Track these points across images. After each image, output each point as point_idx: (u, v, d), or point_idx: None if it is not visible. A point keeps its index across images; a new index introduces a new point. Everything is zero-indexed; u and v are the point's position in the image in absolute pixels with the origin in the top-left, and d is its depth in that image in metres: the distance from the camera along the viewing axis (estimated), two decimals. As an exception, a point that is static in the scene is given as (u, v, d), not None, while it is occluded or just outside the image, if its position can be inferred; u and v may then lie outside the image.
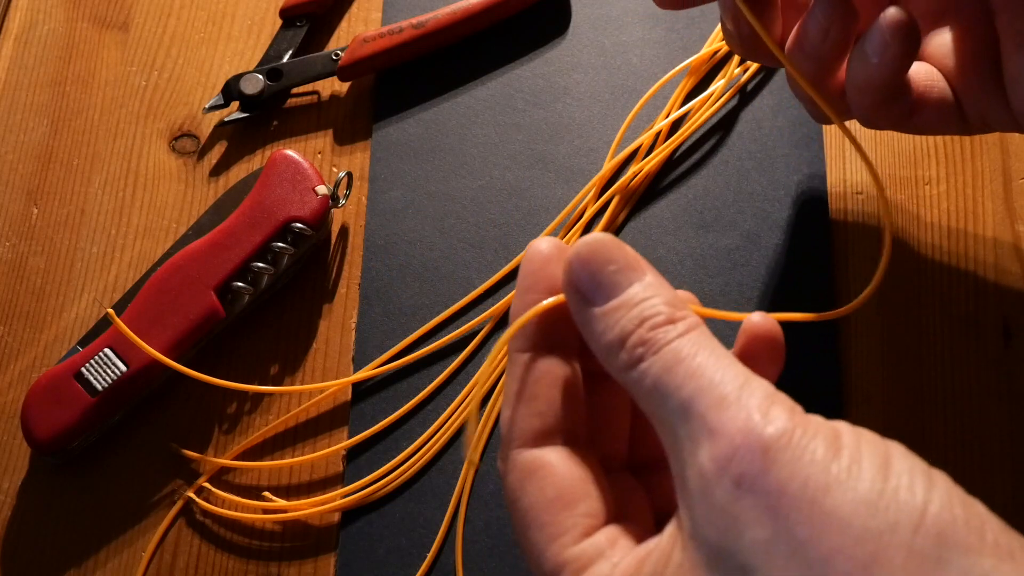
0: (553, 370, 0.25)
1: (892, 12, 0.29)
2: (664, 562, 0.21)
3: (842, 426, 0.21)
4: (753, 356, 0.26)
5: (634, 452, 0.28)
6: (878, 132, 0.44)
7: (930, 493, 0.19)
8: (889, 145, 0.44)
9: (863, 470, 0.20)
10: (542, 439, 0.25)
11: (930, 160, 0.44)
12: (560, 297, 0.25)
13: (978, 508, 0.20)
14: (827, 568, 0.19)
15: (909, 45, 0.30)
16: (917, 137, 0.44)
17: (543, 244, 0.26)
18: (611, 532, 0.23)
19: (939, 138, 0.44)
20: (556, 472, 0.24)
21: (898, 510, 0.19)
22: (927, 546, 0.18)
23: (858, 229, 0.42)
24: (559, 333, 0.26)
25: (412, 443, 0.40)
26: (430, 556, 0.38)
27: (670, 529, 0.22)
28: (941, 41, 0.34)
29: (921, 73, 0.34)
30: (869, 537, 0.19)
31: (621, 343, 0.23)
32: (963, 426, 0.39)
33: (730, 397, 0.21)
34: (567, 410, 0.25)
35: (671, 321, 0.23)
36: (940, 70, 0.34)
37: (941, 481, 0.20)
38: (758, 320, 0.27)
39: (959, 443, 0.39)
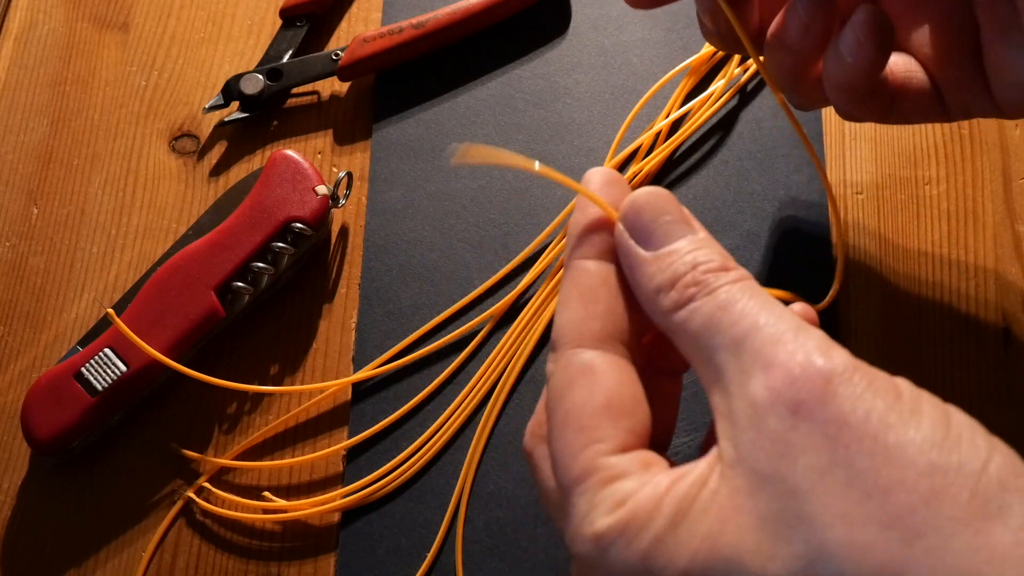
0: (612, 280, 0.25)
1: (865, 11, 0.29)
2: (699, 486, 0.21)
3: (902, 380, 0.21)
4: None
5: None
6: (878, 132, 0.44)
7: (992, 448, 0.19)
8: (889, 145, 0.44)
9: (924, 417, 0.20)
10: (599, 343, 0.24)
11: (930, 160, 0.44)
12: (615, 214, 0.26)
13: None
14: (887, 498, 0.19)
15: (883, 43, 0.30)
16: (917, 137, 0.44)
17: (599, 171, 0.27)
18: (647, 455, 0.23)
19: (939, 138, 0.44)
20: (609, 380, 0.24)
21: (963, 453, 0.19)
22: (991, 490, 0.19)
23: (858, 229, 0.42)
24: (615, 252, 0.26)
25: (412, 443, 0.40)
26: (430, 556, 0.38)
27: (707, 459, 0.22)
28: (920, 31, 0.34)
29: (899, 64, 0.34)
30: (935, 472, 0.19)
31: (672, 283, 0.23)
32: (963, 426, 0.39)
33: (787, 336, 0.21)
34: (624, 321, 0.25)
35: (724, 269, 0.24)
36: (919, 59, 0.33)
37: (1001, 442, 0.20)
38: (799, 310, 0.27)
39: (959, 443, 0.39)
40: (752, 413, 0.21)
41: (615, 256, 0.26)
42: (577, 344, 0.24)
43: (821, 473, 0.19)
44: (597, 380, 0.23)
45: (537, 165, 0.26)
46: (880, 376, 0.21)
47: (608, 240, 0.26)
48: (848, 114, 0.34)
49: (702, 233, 0.25)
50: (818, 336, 0.21)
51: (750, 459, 0.20)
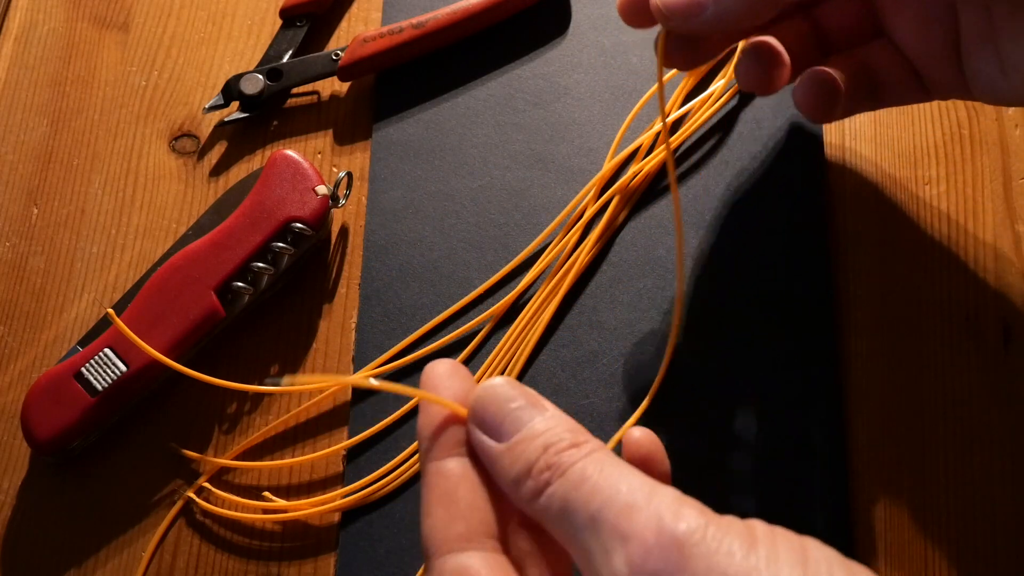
0: (469, 473, 0.25)
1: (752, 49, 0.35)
2: None
3: (755, 522, 0.21)
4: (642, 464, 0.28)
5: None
6: (878, 132, 0.44)
7: None
8: (889, 145, 0.44)
9: (781, 561, 0.20)
10: (467, 542, 0.24)
11: (930, 160, 0.44)
12: (462, 410, 0.26)
13: None
14: None
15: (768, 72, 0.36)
16: (917, 137, 0.44)
17: (440, 364, 0.27)
18: None
19: (939, 138, 0.44)
20: None
21: None
22: None
23: (858, 229, 0.42)
24: (467, 443, 0.26)
25: (412, 443, 0.40)
26: (430, 556, 0.38)
27: None
28: (904, 21, 0.35)
29: (879, 53, 0.36)
30: None
31: (528, 472, 0.24)
32: (963, 427, 0.39)
33: (639, 503, 0.22)
34: (488, 514, 0.25)
35: (575, 445, 0.24)
36: (902, 47, 0.35)
37: (859, 572, 0.20)
38: (638, 436, 0.28)
39: (959, 444, 0.39)
40: None
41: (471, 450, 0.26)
42: (446, 550, 0.24)
43: None
44: None
45: (372, 381, 0.27)
46: (734, 526, 0.21)
47: (458, 435, 0.26)
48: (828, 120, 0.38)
49: (551, 411, 0.25)
50: (669, 497, 0.22)
51: None
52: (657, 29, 0.35)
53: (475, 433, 0.25)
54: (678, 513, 0.21)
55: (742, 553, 0.20)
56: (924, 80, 0.35)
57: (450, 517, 0.24)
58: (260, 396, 0.41)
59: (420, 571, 0.38)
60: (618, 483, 0.22)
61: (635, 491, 0.22)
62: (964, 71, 0.33)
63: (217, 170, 0.46)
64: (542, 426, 0.24)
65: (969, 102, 0.45)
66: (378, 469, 0.39)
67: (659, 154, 0.44)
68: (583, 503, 0.22)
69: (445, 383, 0.26)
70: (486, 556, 0.24)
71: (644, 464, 0.27)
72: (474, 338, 0.42)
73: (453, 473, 0.25)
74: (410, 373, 0.41)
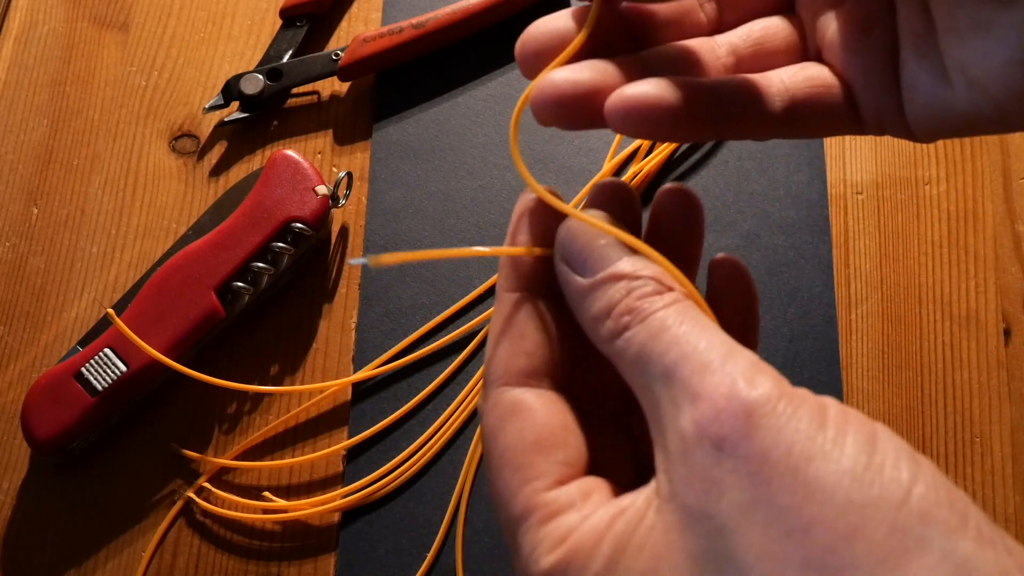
0: (541, 312, 0.25)
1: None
2: (636, 521, 0.21)
3: (829, 401, 0.21)
4: (723, 292, 0.27)
5: (625, 405, 0.27)
6: (878, 132, 0.44)
7: (916, 474, 0.19)
8: (889, 145, 0.44)
9: (847, 444, 0.19)
10: (526, 379, 0.24)
11: (930, 160, 0.44)
12: (547, 251, 0.25)
13: (962, 496, 0.19)
14: (807, 537, 0.18)
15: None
16: (917, 137, 0.44)
17: (530, 196, 0.26)
18: (586, 483, 0.23)
19: (932, 141, 0.44)
20: (537, 415, 0.24)
21: (883, 485, 0.19)
22: (910, 523, 0.18)
23: (858, 229, 0.42)
24: (549, 281, 0.26)
25: (412, 443, 0.40)
26: (430, 556, 0.38)
27: (646, 491, 0.22)
28: (835, 38, 0.30)
29: (805, 74, 0.30)
30: (852, 509, 0.18)
31: (608, 313, 0.23)
32: (963, 426, 0.39)
33: (714, 364, 0.21)
34: (553, 353, 0.25)
35: (659, 292, 0.23)
36: (834, 67, 0.30)
37: (927, 465, 0.19)
38: (721, 257, 0.27)
39: (959, 443, 0.39)
40: (682, 447, 0.21)
41: (546, 285, 0.25)
42: (504, 382, 0.24)
43: (744, 511, 0.19)
44: (526, 417, 0.24)
45: (480, 248, 0.26)
46: (807, 401, 0.20)
47: (537, 267, 0.25)
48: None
49: (642, 255, 0.24)
50: (746, 360, 0.21)
51: (681, 495, 0.20)
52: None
53: (559, 265, 0.25)
54: (752, 380, 0.20)
55: (809, 431, 0.20)
56: (857, 102, 0.30)
57: (514, 351, 0.24)
58: (260, 396, 0.41)
59: (420, 571, 0.38)
60: (697, 339, 0.22)
61: (713, 350, 0.21)
62: (902, 84, 0.29)
63: (217, 170, 0.46)
64: (628, 267, 0.24)
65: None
66: (378, 469, 0.39)
67: (659, 154, 0.44)
68: (659, 354, 0.22)
69: (541, 212, 0.26)
70: (542, 394, 0.24)
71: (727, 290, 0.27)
72: (474, 338, 0.42)
73: (528, 309, 0.25)
74: (410, 373, 0.41)
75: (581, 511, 0.22)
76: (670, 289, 0.23)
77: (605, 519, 0.21)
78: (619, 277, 0.24)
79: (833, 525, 0.18)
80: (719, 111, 0.27)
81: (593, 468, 0.24)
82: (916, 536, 0.18)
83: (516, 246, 0.26)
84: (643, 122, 0.25)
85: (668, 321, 0.22)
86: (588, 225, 0.24)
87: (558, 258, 0.25)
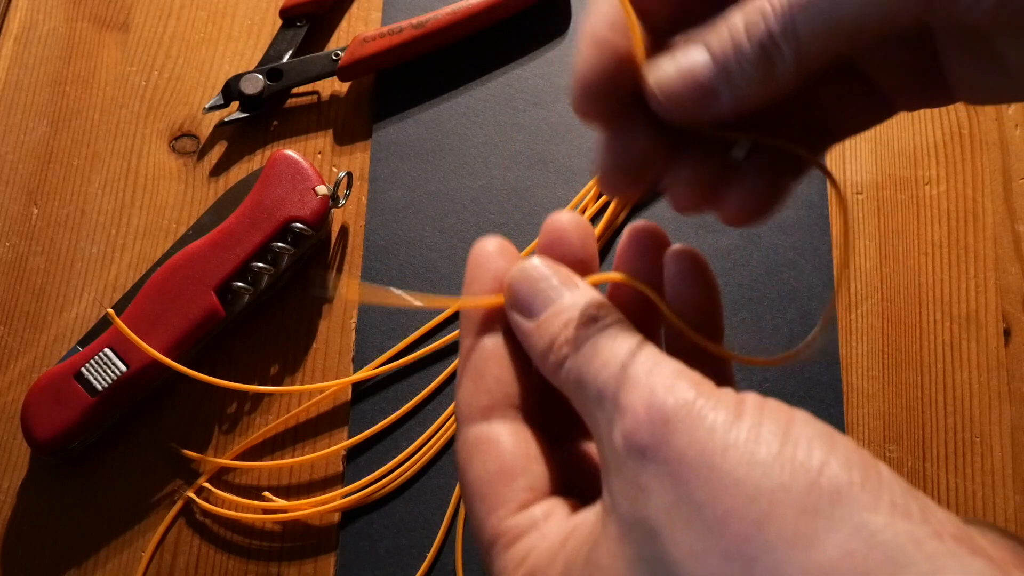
0: (499, 349, 0.26)
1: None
2: (586, 537, 0.22)
3: (749, 396, 0.21)
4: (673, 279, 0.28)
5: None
6: (878, 132, 0.44)
7: (829, 456, 0.19)
8: (889, 145, 0.44)
9: (761, 435, 0.20)
10: (489, 413, 0.25)
11: (930, 160, 0.44)
12: (500, 298, 0.27)
13: (881, 470, 0.20)
14: (724, 528, 0.19)
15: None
16: (917, 137, 0.44)
17: (488, 243, 0.28)
18: (549, 505, 0.24)
19: (939, 138, 0.44)
20: (500, 446, 0.25)
21: (793, 471, 0.19)
22: (821, 504, 0.19)
23: (858, 229, 0.42)
24: (505, 320, 0.27)
25: (412, 443, 0.40)
26: (430, 556, 0.38)
27: (596, 508, 0.23)
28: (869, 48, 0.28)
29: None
30: (761, 496, 0.19)
31: (550, 346, 0.25)
32: (963, 426, 0.39)
33: (639, 377, 0.22)
34: (513, 385, 0.26)
35: (593, 320, 0.24)
36: (867, 70, 0.29)
37: (843, 445, 0.20)
38: (676, 249, 0.27)
39: (959, 443, 0.39)
40: (616, 460, 0.22)
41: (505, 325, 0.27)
42: (469, 420, 0.25)
43: (669, 512, 0.20)
44: (490, 450, 0.25)
45: (417, 302, 0.28)
46: (724, 398, 0.21)
47: (492, 311, 0.27)
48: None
49: (581, 288, 0.26)
50: (668, 371, 0.22)
51: (618, 505, 0.21)
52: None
53: (510, 312, 0.26)
54: (671, 387, 0.21)
55: (724, 427, 0.20)
56: (893, 97, 0.29)
57: (476, 390, 0.26)
58: (260, 396, 0.41)
59: (420, 571, 0.38)
60: (625, 357, 0.23)
61: (638, 365, 0.22)
62: (947, 77, 0.29)
63: (217, 170, 0.46)
64: (568, 302, 0.25)
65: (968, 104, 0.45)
66: (378, 469, 0.39)
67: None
68: (593, 376, 0.23)
69: (492, 261, 0.27)
70: (506, 424, 0.25)
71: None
72: (474, 338, 0.42)
73: (484, 349, 0.26)
74: (410, 373, 0.41)
75: (542, 531, 0.23)
76: (604, 314, 0.25)
77: (559, 537, 0.23)
78: (559, 312, 0.25)
79: (745, 514, 0.19)
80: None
81: (568, 489, 0.25)
82: (826, 515, 0.18)
83: (472, 294, 0.27)
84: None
85: (600, 344, 0.24)
86: (529, 271, 0.26)
87: (507, 303, 0.26)
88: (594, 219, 0.43)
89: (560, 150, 0.45)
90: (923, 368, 0.40)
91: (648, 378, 0.22)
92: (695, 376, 0.22)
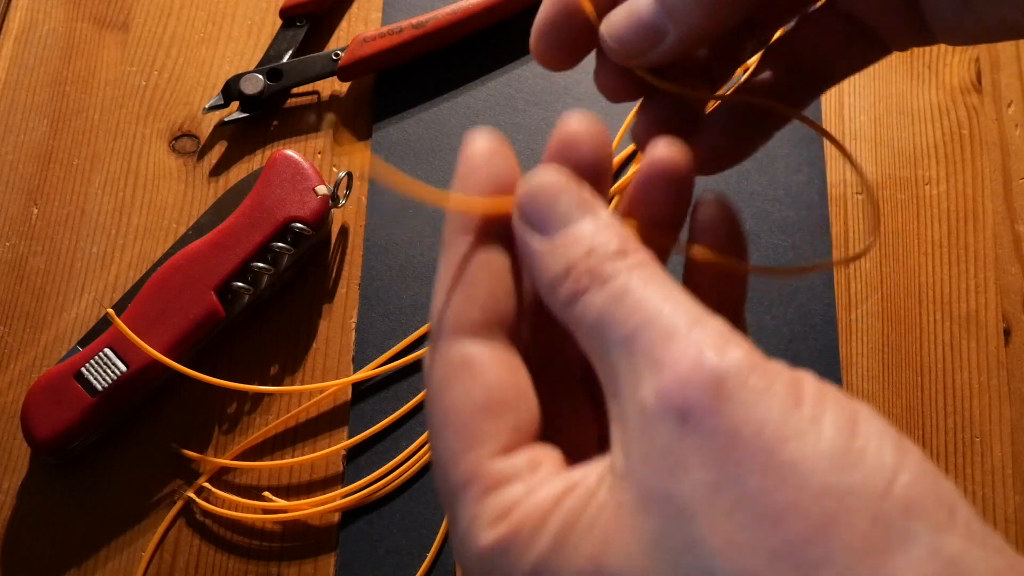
0: (496, 259, 0.23)
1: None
2: (586, 499, 0.19)
3: (805, 375, 0.19)
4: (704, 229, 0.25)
5: (589, 367, 0.24)
6: (878, 132, 0.44)
7: (902, 460, 0.17)
8: (889, 145, 0.44)
9: (826, 424, 0.18)
10: (479, 331, 0.22)
11: (930, 160, 0.44)
12: (510, 201, 0.23)
13: (950, 487, 0.17)
14: (779, 525, 0.17)
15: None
16: (917, 137, 0.44)
17: (480, 141, 0.24)
18: (536, 452, 0.21)
19: (939, 138, 0.44)
20: (487, 372, 0.21)
21: (866, 471, 0.17)
22: (894, 514, 0.17)
23: (858, 229, 0.43)
24: (504, 229, 0.23)
25: (412, 443, 0.40)
26: (430, 556, 0.38)
27: (599, 467, 0.20)
28: None
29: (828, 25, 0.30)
30: (831, 495, 0.17)
31: (567, 273, 0.21)
32: (963, 426, 0.39)
33: (680, 330, 0.19)
34: (508, 306, 0.23)
35: (622, 253, 0.21)
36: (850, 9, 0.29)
37: (914, 451, 0.18)
38: (709, 198, 0.25)
39: (959, 443, 0.39)
40: (642, 421, 0.19)
41: (500, 233, 0.23)
42: (453, 333, 0.22)
43: (710, 493, 0.17)
44: (475, 375, 0.21)
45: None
46: (782, 375, 0.18)
47: (488, 222, 0.23)
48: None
49: (604, 213, 0.22)
50: (715, 328, 0.19)
51: (639, 473, 0.18)
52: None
53: (518, 224, 0.23)
54: (722, 348, 0.18)
55: (783, 408, 0.18)
56: (878, 32, 0.29)
57: (467, 301, 0.22)
58: (260, 396, 0.41)
59: (420, 571, 0.38)
60: (662, 304, 0.20)
61: (679, 315, 0.19)
62: (922, 7, 0.27)
63: (217, 170, 0.46)
64: (591, 227, 0.22)
65: (970, 103, 0.45)
66: (378, 469, 0.39)
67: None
68: (620, 320, 0.20)
69: (484, 165, 0.23)
70: (496, 349, 0.22)
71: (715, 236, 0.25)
72: (474, 338, 0.42)
73: (477, 258, 0.23)
74: (410, 373, 0.41)
75: (528, 483, 0.20)
76: (635, 249, 0.21)
77: (553, 494, 0.19)
78: (580, 237, 0.22)
79: (808, 513, 0.17)
80: None
81: (550, 435, 0.22)
82: (900, 529, 0.16)
83: (466, 192, 0.23)
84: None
85: (631, 284, 0.20)
86: (549, 183, 0.22)
87: (516, 215, 0.23)
88: (594, 219, 0.43)
89: (560, 150, 0.45)
90: (923, 368, 0.40)
91: (692, 332, 0.19)
92: (745, 340, 0.19)
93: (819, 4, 0.30)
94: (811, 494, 0.17)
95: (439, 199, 0.24)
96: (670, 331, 0.19)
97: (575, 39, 0.28)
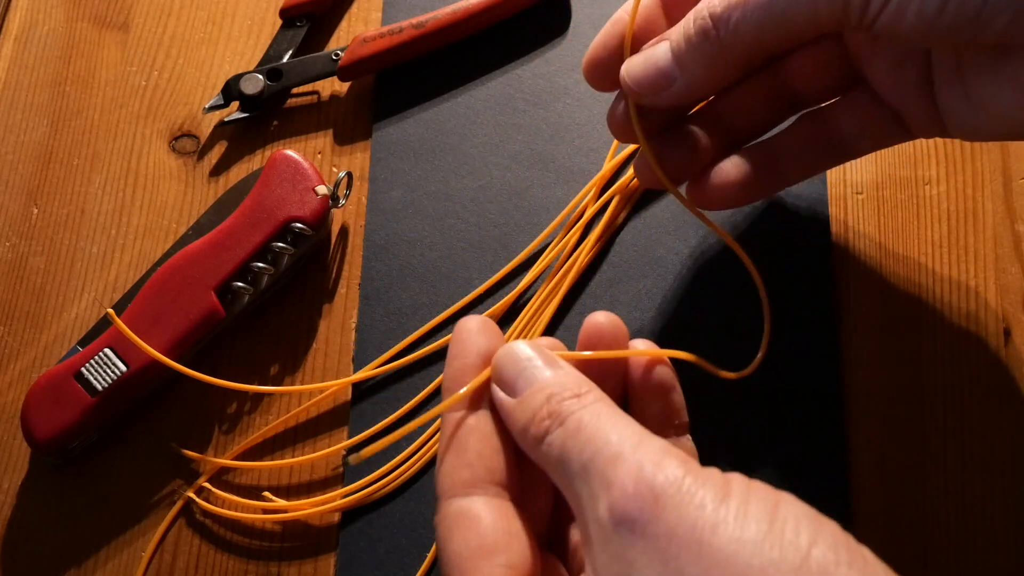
0: (482, 425, 0.27)
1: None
2: None
3: (735, 476, 0.22)
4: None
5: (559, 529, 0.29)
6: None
7: (816, 536, 0.20)
8: (889, 145, 0.44)
9: (750, 514, 0.21)
10: (470, 488, 0.26)
11: (930, 160, 0.44)
12: (487, 372, 0.28)
13: (865, 554, 0.20)
14: None
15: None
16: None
17: (472, 320, 0.29)
18: None
19: (939, 138, 0.44)
20: (480, 521, 0.25)
21: (782, 548, 0.20)
22: None
23: (858, 229, 0.43)
24: (489, 398, 0.28)
25: (412, 443, 0.40)
26: (430, 556, 0.38)
27: None
28: (879, 66, 0.34)
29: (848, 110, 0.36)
30: (751, 572, 0.19)
31: (532, 420, 0.25)
32: (963, 426, 0.39)
33: (625, 453, 0.23)
34: (495, 462, 0.27)
35: (576, 396, 0.25)
36: (880, 90, 0.35)
37: (829, 527, 0.21)
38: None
39: (959, 443, 0.39)
40: (601, 535, 0.22)
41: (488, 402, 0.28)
42: (451, 494, 0.26)
43: None
44: (470, 525, 0.25)
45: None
46: (712, 478, 0.22)
47: (475, 391, 0.28)
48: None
49: (563, 365, 0.27)
50: (655, 448, 0.23)
51: None
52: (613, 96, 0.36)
53: (494, 391, 0.27)
54: (659, 464, 0.22)
55: (713, 506, 0.21)
56: (904, 121, 0.34)
57: (458, 464, 0.26)
58: (260, 396, 0.41)
59: (420, 571, 0.38)
60: (609, 433, 0.24)
61: (624, 441, 0.23)
62: (939, 108, 0.33)
63: (217, 170, 0.46)
64: (551, 379, 0.26)
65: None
66: (378, 469, 0.39)
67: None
68: (577, 451, 0.24)
69: (474, 339, 0.28)
70: (488, 500, 0.26)
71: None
72: (474, 338, 0.42)
73: (466, 424, 0.27)
74: (410, 373, 0.41)
75: None
76: (587, 391, 0.25)
77: None
78: (541, 388, 0.26)
79: None
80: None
81: (540, 571, 0.25)
82: None
83: (455, 370, 0.28)
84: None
85: (584, 420, 0.24)
86: (515, 351, 0.27)
87: (492, 383, 0.27)
88: (594, 219, 0.43)
89: (560, 150, 0.45)
90: (923, 368, 0.40)
91: (635, 454, 0.23)
92: (681, 454, 0.23)
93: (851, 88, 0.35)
94: (738, 571, 0.19)
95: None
96: (617, 455, 0.23)
97: (615, 74, 0.34)
